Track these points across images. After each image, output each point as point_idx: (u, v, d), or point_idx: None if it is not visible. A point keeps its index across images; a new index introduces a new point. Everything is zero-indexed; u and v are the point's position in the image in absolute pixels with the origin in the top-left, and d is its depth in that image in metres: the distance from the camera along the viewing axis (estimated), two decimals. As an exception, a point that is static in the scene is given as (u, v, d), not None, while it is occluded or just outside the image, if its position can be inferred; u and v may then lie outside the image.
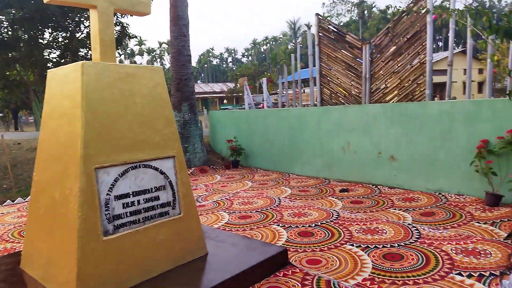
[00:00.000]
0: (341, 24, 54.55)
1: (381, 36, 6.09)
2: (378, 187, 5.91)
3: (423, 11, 5.34)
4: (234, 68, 76.34)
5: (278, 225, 4.39)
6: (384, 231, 3.98)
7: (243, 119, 8.70)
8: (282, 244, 3.81)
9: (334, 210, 4.84)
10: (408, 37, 5.68)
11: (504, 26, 3.00)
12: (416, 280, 2.89)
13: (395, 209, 4.77)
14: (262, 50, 77.57)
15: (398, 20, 5.79)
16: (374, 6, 43.62)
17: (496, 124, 4.59)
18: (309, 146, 7.11)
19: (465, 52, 5.32)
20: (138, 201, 2.78)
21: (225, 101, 46.65)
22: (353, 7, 54.12)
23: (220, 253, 3.31)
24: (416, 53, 5.62)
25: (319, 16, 6.81)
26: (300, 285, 2.91)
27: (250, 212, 5.02)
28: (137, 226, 2.79)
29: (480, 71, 30.04)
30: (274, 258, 3.19)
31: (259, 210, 5.08)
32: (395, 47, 5.83)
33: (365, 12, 51.51)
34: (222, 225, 4.57)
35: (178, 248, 3.00)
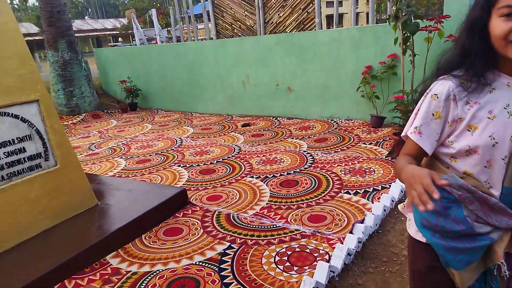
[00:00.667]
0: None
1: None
2: (278, 118, 6.04)
3: None
4: (126, 2, 68.82)
5: (179, 166, 4.24)
6: (282, 160, 4.10)
7: (135, 57, 7.93)
8: (183, 184, 3.69)
9: (236, 145, 4.83)
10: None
11: None
12: (309, 203, 3.05)
13: (292, 138, 4.95)
14: (157, -19, 70.71)
15: None
16: None
17: (378, 50, 4.87)
18: (210, 82, 6.85)
19: (354, -19, 5.37)
20: (-3, 156, 2.33)
21: (120, 39, 42.39)
22: None
23: (114, 201, 3.07)
24: (304, -20, 5.52)
25: None
26: (200, 222, 2.87)
27: (150, 155, 4.75)
28: (1, 184, 2.37)
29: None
30: (173, 199, 3.07)
31: (159, 152, 4.83)
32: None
33: None
34: (117, 172, 4.25)
35: (59, 202, 2.67)
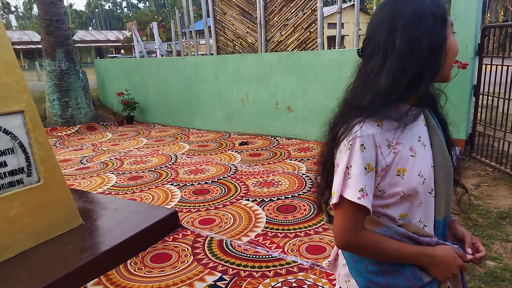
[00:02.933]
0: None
1: (272, -20, 5.78)
2: (277, 138, 5.90)
3: None
4: (130, 15, 69.57)
5: (172, 184, 4.07)
6: (280, 183, 3.94)
7: (134, 69, 7.84)
8: (175, 205, 3.51)
9: (233, 164, 4.67)
10: (298, -18, 5.47)
11: None
12: (307, 231, 2.88)
13: (291, 159, 4.80)
14: (161, -5, 71.73)
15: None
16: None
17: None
18: (208, 98, 6.74)
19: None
20: (-26, 171, 2.16)
21: (122, 51, 42.56)
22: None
23: (100, 222, 2.89)
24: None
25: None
26: (190, 248, 2.68)
27: (142, 172, 4.58)
28: (-22, 201, 2.19)
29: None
30: (163, 221, 2.89)
31: (153, 169, 4.66)
32: (287, -9, 5.59)
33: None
34: (107, 188, 4.07)
35: (41, 221, 2.49)
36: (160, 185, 4.08)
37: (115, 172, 4.61)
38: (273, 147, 5.45)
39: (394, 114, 0.91)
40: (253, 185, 3.92)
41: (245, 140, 5.86)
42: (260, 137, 6.05)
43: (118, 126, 7.77)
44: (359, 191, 0.89)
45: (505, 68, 3.74)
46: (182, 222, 3.09)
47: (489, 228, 2.85)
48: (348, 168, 0.90)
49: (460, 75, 3.88)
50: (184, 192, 3.83)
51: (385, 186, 0.93)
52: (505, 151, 3.94)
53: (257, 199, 3.55)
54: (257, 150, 5.34)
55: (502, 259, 2.47)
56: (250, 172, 4.35)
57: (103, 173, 4.59)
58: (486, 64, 4.02)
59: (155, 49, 7.99)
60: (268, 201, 3.50)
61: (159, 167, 4.71)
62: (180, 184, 4.07)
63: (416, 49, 0.85)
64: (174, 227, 2.97)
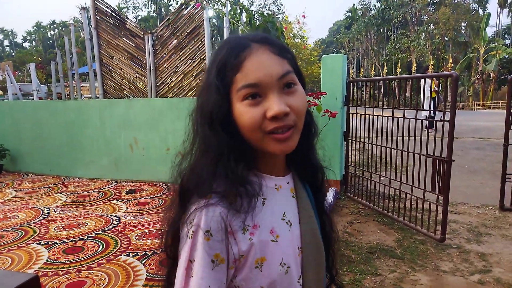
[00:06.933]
0: (139, 18, 52.58)
1: (162, 27, 5.85)
2: (168, 184, 5.68)
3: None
4: (13, 54, 62.96)
5: (39, 244, 3.53)
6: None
7: (6, 113, 6.92)
8: (39, 268, 3.03)
9: (116, 216, 4.30)
10: (188, 31, 5.63)
11: (262, 24, 3.24)
12: None
13: (181, 206, 4.62)
14: (50, 36, 66.84)
15: (178, 13, 5.68)
16: (171, 5, 43.57)
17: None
18: (93, 144, 6.25)
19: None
20: None
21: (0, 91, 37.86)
22: (149, 2, 52.85)
23: None
24: (196, 49, 5.63)
25: (94, -5, 5.99)
26: (49, 321, 2.29)
27: (4, 230, 3.91)
28: None
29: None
30: (16, 292, 2.44)
31: (17, 226, 4.02)
32: (176, 40, 5.70)
33: (162, 9, 51.17)
34: (-48, 255, 3.34)
35: None
36: (24, 245, 3.51)
37: (-34, 234, 3.85)
38: (164, 193, 5.22)
39: (249, 188, 0.73)
40: (136, 237, 3.63)
41: (133, 188, 5.51)
42: (150, 184, 5.77)
43: (-20, 177, 6.65)
44: None
45: (367, 116, 4.29)
46: (44, 289, 2.66)
47: (361, 264, 3.07)
48: (191, 262, 0.70)
49: (331, 123, 4.32)
50: (53, 251, 3.34)
51: (241, 282, 0.74)
52: (373, 190, 4.41)
53: (138, 253, 3.28)
54: (145, 198, 5.05)
55: (370, 292, 2.66)
56: (134, 223, 4.05)
57: None
58: (352, 113, 4.55)
59: (32, 91, 7.25)
60: (151, 254, 3.25)
61: (25, 224, 4.08)
62: (49, 242, 3.56)
63: (197, 112, 0.80)
64: (31, 297, 2.52)
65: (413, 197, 3.74)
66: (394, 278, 2.84)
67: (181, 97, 5.89)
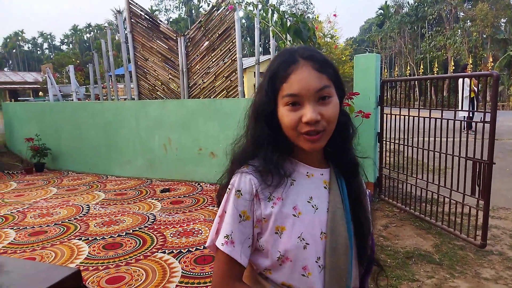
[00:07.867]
0: (171, 20, 53.72)
1: (194, 29, 5.95)
2: (200, 184, 5.79)
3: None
4: (52, 56, 66.03)
5: (80, 239, 3.70)
6: (200, 232, 3.80)
7: (47, 113, 7.30)
8: (80, 263, 3.17)
9: (151, 214, 4.43)
10: (219, 33, 5.70)
11: (293, 25, 3.21)
12: (224, 283, 2.76)
13: (213, 206, 4.70)
14: (86, 38, 69.55)
15: (209, 15, 5.76)
16: (201, 7, 44.27)
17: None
18: (129, 144, 6.46)
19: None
20: None
21: (40, 93, 39.77)
22: (180, 4, 53.90)
23: (-18, 290, 2.47)
24: (227, 50, 5.69)
25: (130, 0, 6.18)
26: (92, 313, 2.40)
27: (47, 226, 4.12)
28: None
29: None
30: (61, 284, 2.56)
31: (59, 222, 4.22)
32: (208, 42, 5.78)
33: (193, 11, 51.99)
34: (3, 246, 3.56)
35: None
36: (65, 240, 3.69)
37: (14, 227, 4.08)
38: (197, 193, 5.32)
39: (280, 169, 0.91)
40: (171, 235, 3.73)
41: (167, 187, 5.65)
42: (183, 183, 5.89)
43: (25, 174, 7.04)
44: (225, 237, 0.88)
45: (402, 116, 4.18)
46: (87, 283, 2.78)
47: (397, 269, 3.00)
48: (225, 212, 0.91)
49: (364, 124, 4.24)
50: (93, 247, 3.49)
51: (263, 243, 0.89)
52: (409, 193, 4.29)
53: (173, 250, 3.36)
54: (179, 197, 5.17)
55: (407, 298, 2.59)
56: (169, 221, 4.15)
57: (0, 229, 4.04)
58: (386, 114, 4.45)
59: (72, 92, 7.58)
60: (186, 252, 3.33)
61: (67, 220, 4.28)
62: (90, 238, 3.72)
63: (250, 107, 0.99)
64: (75, 290, 2.65)
65: (452, 201, 3.61)
66: (432, 284, 2.76)
67: (213, 98, 5.98)
